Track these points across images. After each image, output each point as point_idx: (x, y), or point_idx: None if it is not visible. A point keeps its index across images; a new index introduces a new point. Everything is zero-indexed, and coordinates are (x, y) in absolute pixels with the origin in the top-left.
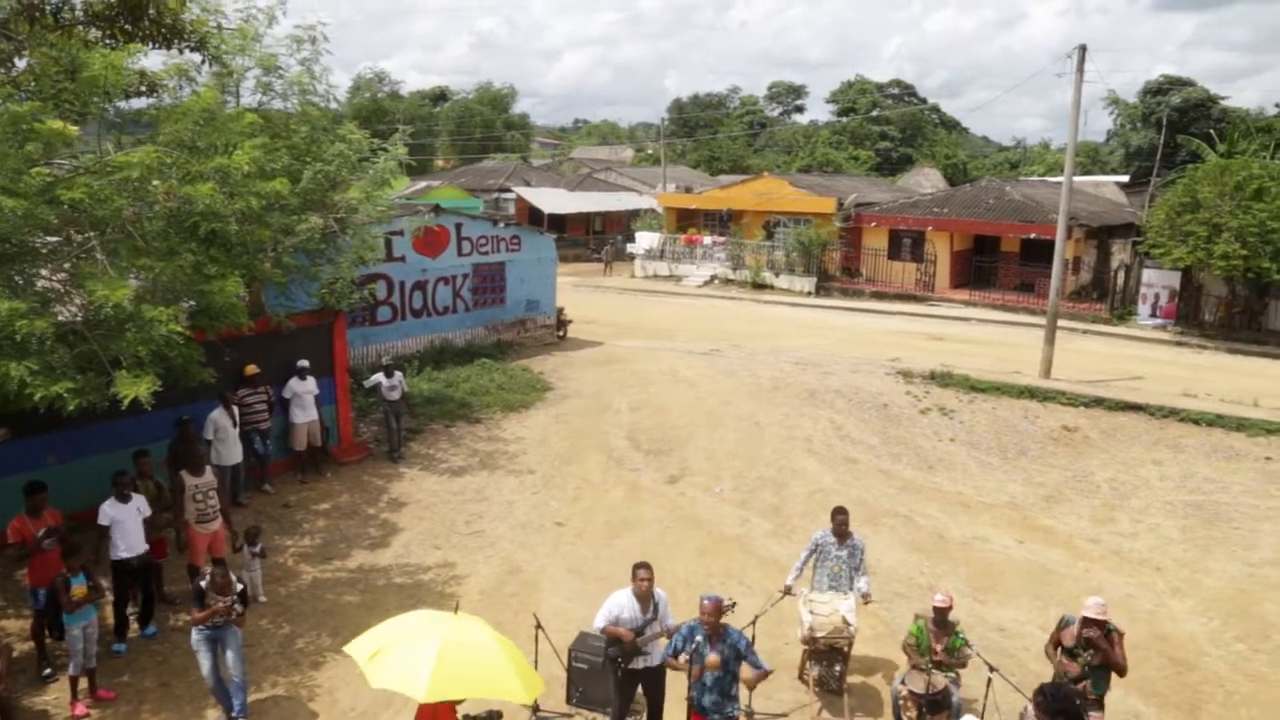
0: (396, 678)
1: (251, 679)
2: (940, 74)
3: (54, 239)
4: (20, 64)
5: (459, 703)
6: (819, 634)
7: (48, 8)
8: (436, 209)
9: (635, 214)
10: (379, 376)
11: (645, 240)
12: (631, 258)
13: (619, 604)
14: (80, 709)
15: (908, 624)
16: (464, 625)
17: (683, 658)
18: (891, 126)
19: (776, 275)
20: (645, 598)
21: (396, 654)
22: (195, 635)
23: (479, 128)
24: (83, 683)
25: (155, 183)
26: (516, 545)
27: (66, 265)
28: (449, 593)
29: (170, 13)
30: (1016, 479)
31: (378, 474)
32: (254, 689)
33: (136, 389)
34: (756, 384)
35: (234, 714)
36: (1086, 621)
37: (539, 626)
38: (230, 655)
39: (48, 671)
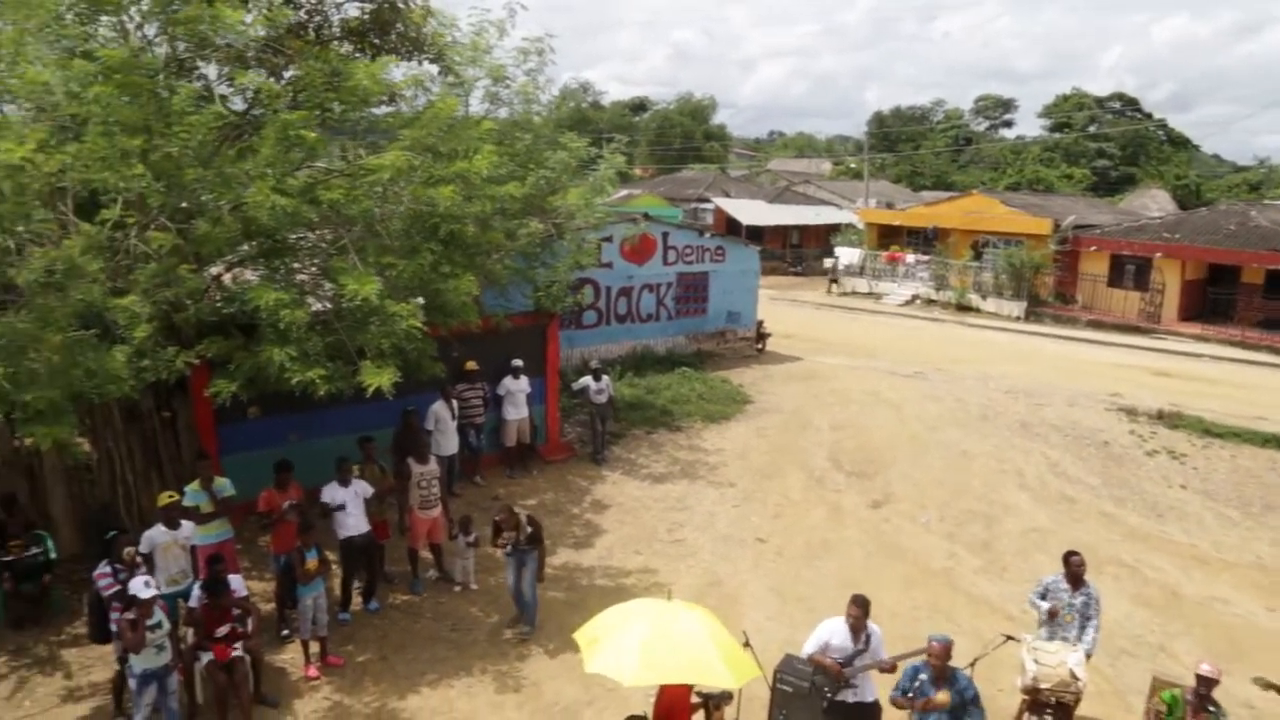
0: (608, 663)
1: (461, 666)
2: (1167, 86)
3: (300, 235)
4: (287, 76)
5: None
6: (1043, 685)
7: (311, 25)
8: (646, 217)
9: (834, 228)
10: (587, 379)
11: (845, 256)
12: (829, 273)
13: (830, 630)
14: (312, 671)
15: (1135, 683)
16: (675, 612)
17: (908, 696)
18: (1111, 143)
19: (983, 298)
20: (857, 630)
21: (610, 640)
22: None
23: (678, 138)
24: (314, 647)
25: (400, 184)
26: (717, 558)
27: (317, 260)
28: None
29: (415, 26)
30: (1263, 538)
31: (581, 475)
32: (463, 674)
33: (380, 379)
34: (964, 410)
35: (523, 626)
36: None
37: (747, 644)
38: (526, 576)
39: (285, 633)
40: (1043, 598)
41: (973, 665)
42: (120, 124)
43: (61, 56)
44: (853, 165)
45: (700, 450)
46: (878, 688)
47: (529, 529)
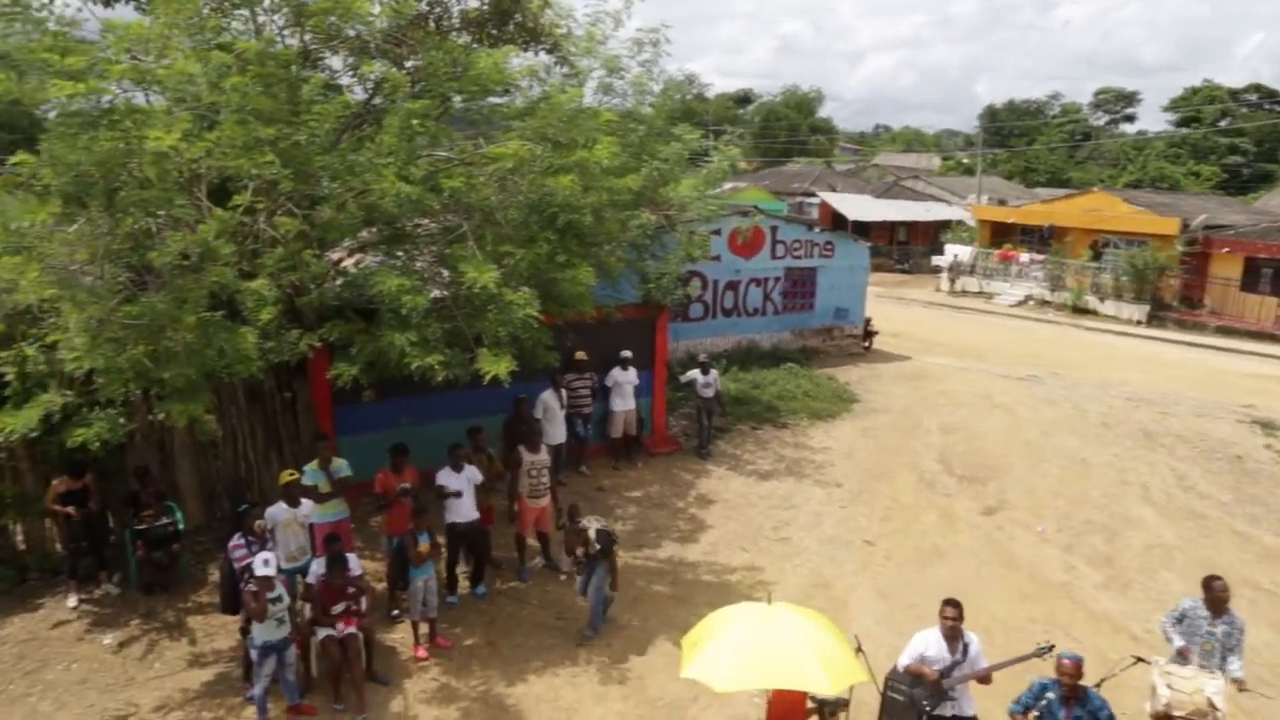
0: (702, 668)
1: (566, 655)
2: None
3: (418, 223)
4: (408, 66)
5: None
6: (1177, 713)
7: (431, 16)
8: (756, 210)
9: (944, 225)
10: (695, 373)
11: (954, 253)
12: (938, 271)
13: (924, 641)
14: (421, 652)
15: (1276, 716)
16: (776, 616)
17: (1033, 715)
18: (1245, 138)
19: (1101, 300)
20: (953, 637)
21: (708, 644)
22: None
23: (784, 130)
24: (423, 629)
25: (520, 173)
26: (824, 559)
27: (433, 247)
28: (756, 597)
29: (532, 16)
30: None
31: (686, 468)
32: (568, 663)
33: (497, 367)
34: (1081, 417)
35: (586, 629)
36: None
37: (859, 649)
38: (593, 582)
39: (395, 613)
40: (1179, 623)
41: (1098, 686)
42: (255, 113)
43: (200, 49)
44: (964, 160)
45: (806, 448)
46: (975, 701)
47: (597, 545)
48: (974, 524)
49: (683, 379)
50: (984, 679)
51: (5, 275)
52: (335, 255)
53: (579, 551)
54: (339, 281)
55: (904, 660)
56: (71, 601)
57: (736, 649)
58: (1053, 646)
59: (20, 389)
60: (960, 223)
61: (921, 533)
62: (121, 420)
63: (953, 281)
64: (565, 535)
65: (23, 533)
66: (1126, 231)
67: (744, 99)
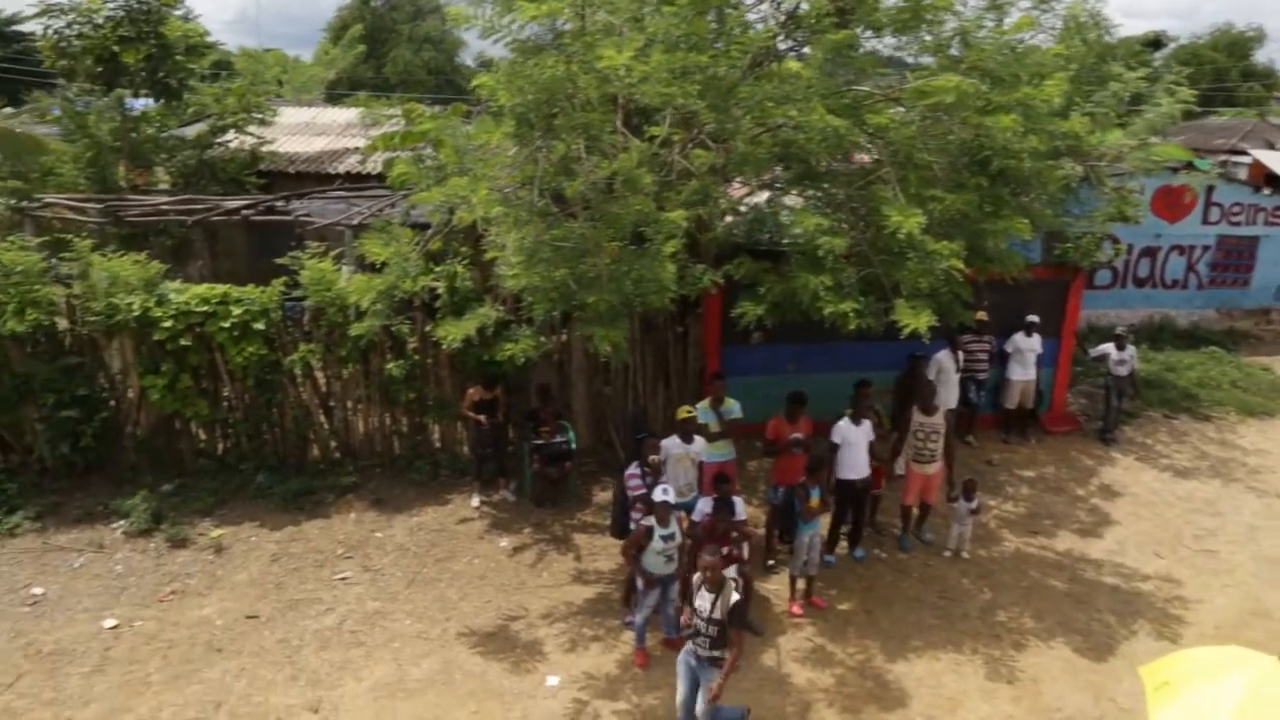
0: None
1: (949, 639)
2: None
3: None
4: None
5: None
6: None
7: None
8: (1190, 166)
9: None
10: (1108, 347)
11: None
12: None
13: None
14: (796, 609)
15: None
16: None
17: None
18: None
19: None
20: None
21: (1188, 693)
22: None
23: (1207, 77)
24: (801, 584)
25: (954, 110)
26: (1262, 581)
27: (849, 188)
28: (1173, 614)
29: None
30: None
31: (1086, 452)
32: (951, 648)
33: (917, 320)
34: None
35: None
36: None
37: None
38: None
39: (770, 563)
40: None
41: None
42: (686, 38)
43: None
44: None
45: (1235, 447)
46: None
47: (736, 595)
48: None
49: (1093, 352)
50: None
51: (458, 193)
52: (738, 192)
53: (695, 579)
54: (748, 217)
55: None
56: (475, 501)
57: (1231, 713)
58: None
59: (449, 302)
60: None
61: None
62: (542, 338)
63: None
64: (703, 565)
65: (439, 433)
66: None
67: (1154, 42)
